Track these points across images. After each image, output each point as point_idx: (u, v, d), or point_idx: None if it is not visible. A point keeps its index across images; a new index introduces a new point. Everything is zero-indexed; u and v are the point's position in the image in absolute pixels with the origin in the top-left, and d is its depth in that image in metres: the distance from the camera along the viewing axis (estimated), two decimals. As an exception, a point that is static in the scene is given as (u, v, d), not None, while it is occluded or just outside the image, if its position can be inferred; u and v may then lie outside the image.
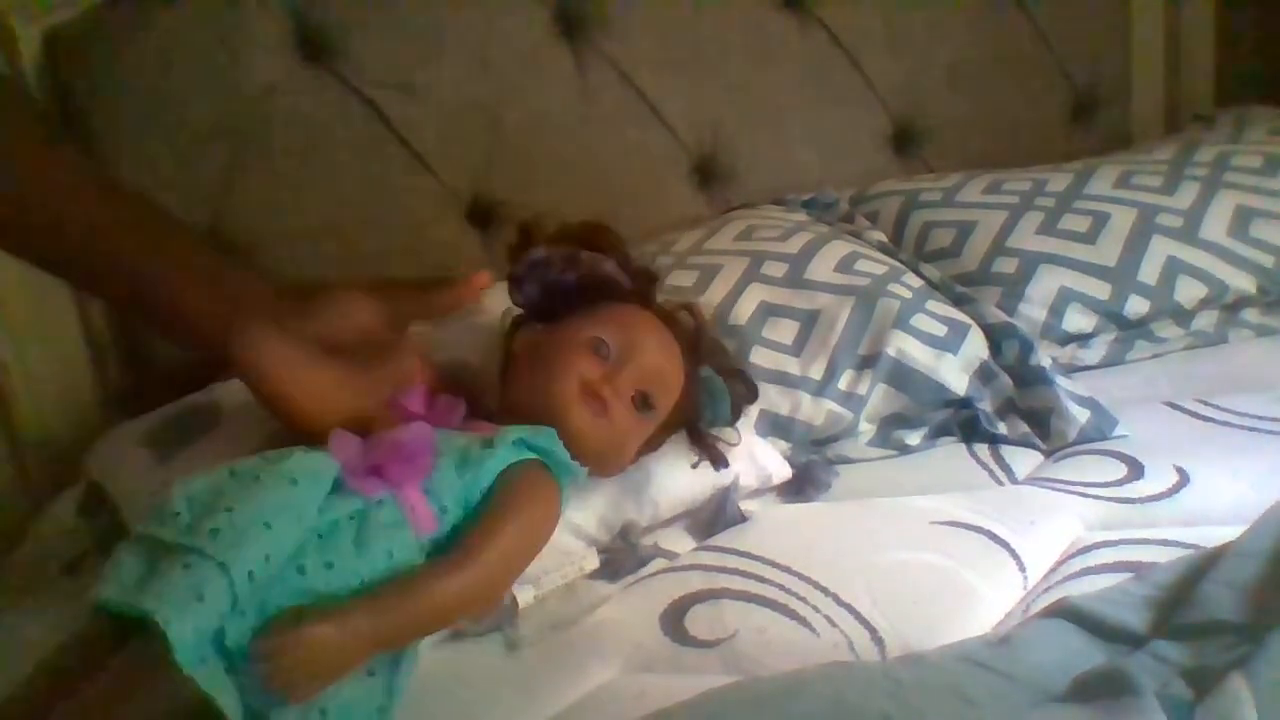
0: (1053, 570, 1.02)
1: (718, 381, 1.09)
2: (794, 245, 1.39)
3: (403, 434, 0.86)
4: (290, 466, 0.81)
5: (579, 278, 1.04)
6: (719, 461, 1.08)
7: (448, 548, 0.84)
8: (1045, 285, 1.38)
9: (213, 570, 0.72)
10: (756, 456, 1.15)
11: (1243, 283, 1.42)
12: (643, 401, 1.00)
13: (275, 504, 0.77)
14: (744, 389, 1.12)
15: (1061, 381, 1.27)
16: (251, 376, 0.89)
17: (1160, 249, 1.41)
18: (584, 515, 1.05)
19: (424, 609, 0.80)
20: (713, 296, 1.32)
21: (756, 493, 1.16)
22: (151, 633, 0.70)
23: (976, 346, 1.28)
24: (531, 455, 0.90)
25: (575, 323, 1.02)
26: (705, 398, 1.07)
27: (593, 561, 1.05)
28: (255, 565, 0.74)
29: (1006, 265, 1.41)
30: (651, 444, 1.05)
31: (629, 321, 1.02)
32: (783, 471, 1.16)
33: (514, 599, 0.99)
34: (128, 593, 0.72)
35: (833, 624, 0.95)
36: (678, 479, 1.09)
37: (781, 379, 1.24)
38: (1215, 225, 1.44)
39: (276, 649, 0.71)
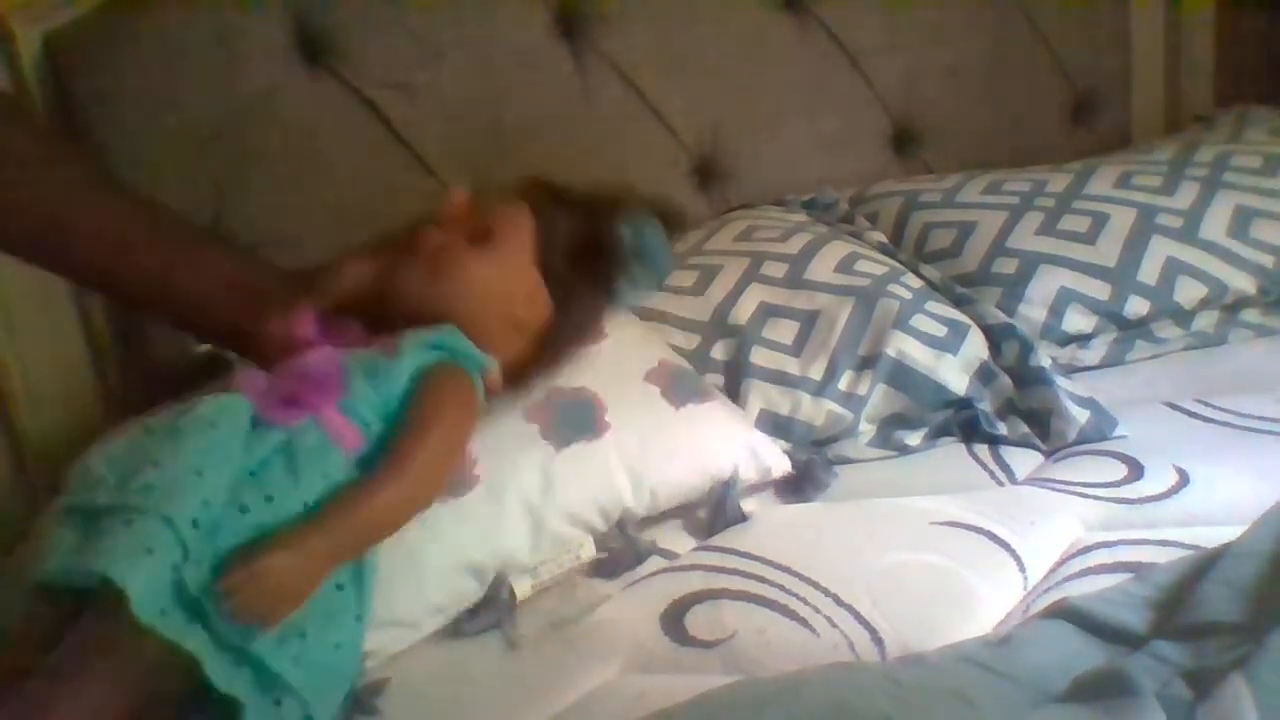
0: (1053, 571, 1.02)
1: (644, 235, 1.06)
2: (794, 246, 1.39)
3: (308, 360, 0.88)
4: (206, 412, 0.82)
5: None
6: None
7: (378, 459, 0.86)
8: (1045, 286, 1.38)
9: (156, 524, 0.74)
10: (756, 450, 1.15)
11: (1242, 283, 1.42)
12: (474, 236, 0.99)
13: (201, 450, 0.79)
14: (667, 215, 1.10)
15: (1061, 382, 1.27)
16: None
17: (1160, 249, 1.41)
18: (580, 501, 1.05)
19: (370, 518, 0.83)
20: (713, 297, 1.32)
21: (756, 487, 1.16)
22: (102, 601, 0.71)
23: (976, 347, 1.28)
24: (438, 355, 0.92)
25: None
26: (634, 253, 1.06)
27: (590, 550, 1.05)
28: (197, 512, 0.76)
29: (1006, 266, 1.41)
30: (556, 281, 1.03)
31: (455, 203, 1.02)
32: (782, 465, 1.16)
33: (511, 592, 1.00)
34: (71, 561, 0.73)
35: (833, 624, 0.95)
36: (675, 466, 1.09)
37: (781, 379, 1.24)
38: (1215, 225, 1.44)
39: (237, 584, 0.74)
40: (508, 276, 1.00)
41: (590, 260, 1.04)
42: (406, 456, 0.85)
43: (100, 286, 1.09)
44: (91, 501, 0.77)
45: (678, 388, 1.15)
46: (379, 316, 0.97)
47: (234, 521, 0.78)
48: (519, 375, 1.02)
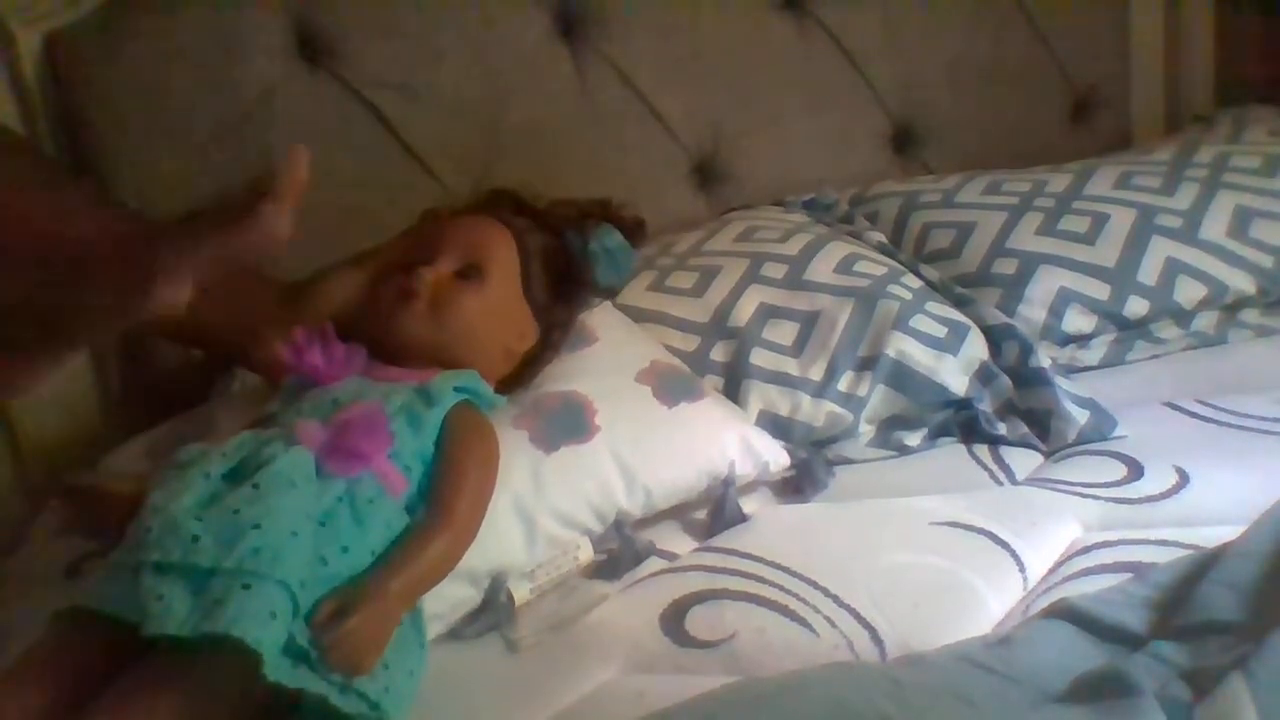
0: (1052, 571, 1.02)
1: (609, 240, 1.16)
2: (793, 246, 1.39)
3: (357, 411, 0.93)
4: (283, 469, 0.86)
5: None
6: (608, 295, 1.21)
7: (419, 499, 0.93)
8: (1045, 286, 1.38)
9: (274, 589, 0.79)
10: (752, 446, 1.15)
11: (1242, 283, 1.41)
12: (464, 273, 1.04)
13: (290, 510, 0.83)
14: (631, 224, 1.20)
15: (1061, 382, 1.27)
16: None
17: (1160, 249, 1.41)
18: (572, 502, 1.05)
19: (431, 565, 0.89)
20: (713, 298, 1.32)
21: (755, 485, 1.16)
22: (219, 656, 0.77)
23: (976, 347, 1.28)
24: (461, 397, 0.98)
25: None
26: (598, 259, 1.15)
27: (588, 551, 1.05)
28: (304, 573, 0.81)
29: (1006, 266, 1.41)
30: (541, 306, 1.10)
31: (438, 227, 1.09)
32: (780, 459, 1.16)
33: (510, 596, 1.00)
34: (190, 623, 0.78)
35: (833, 625, 0.95)
36: (668, 464, 1.10)
37: (781, 380, 1.24)
38: (1215, 226, 1.44)
39: (337, 641, 0.80)
40: (502, 311, 1.07)
41: (563, 281, 1.13)
42: (454, 505, 0.92)
43: None
44: (195, 562, 0.80)
45: (670, 387, 1.15)
46: (367, 334, 1.03)
47: (317, 572, 0.83)
48: (502, 392, 1.07)
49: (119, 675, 0.80)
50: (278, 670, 0.77)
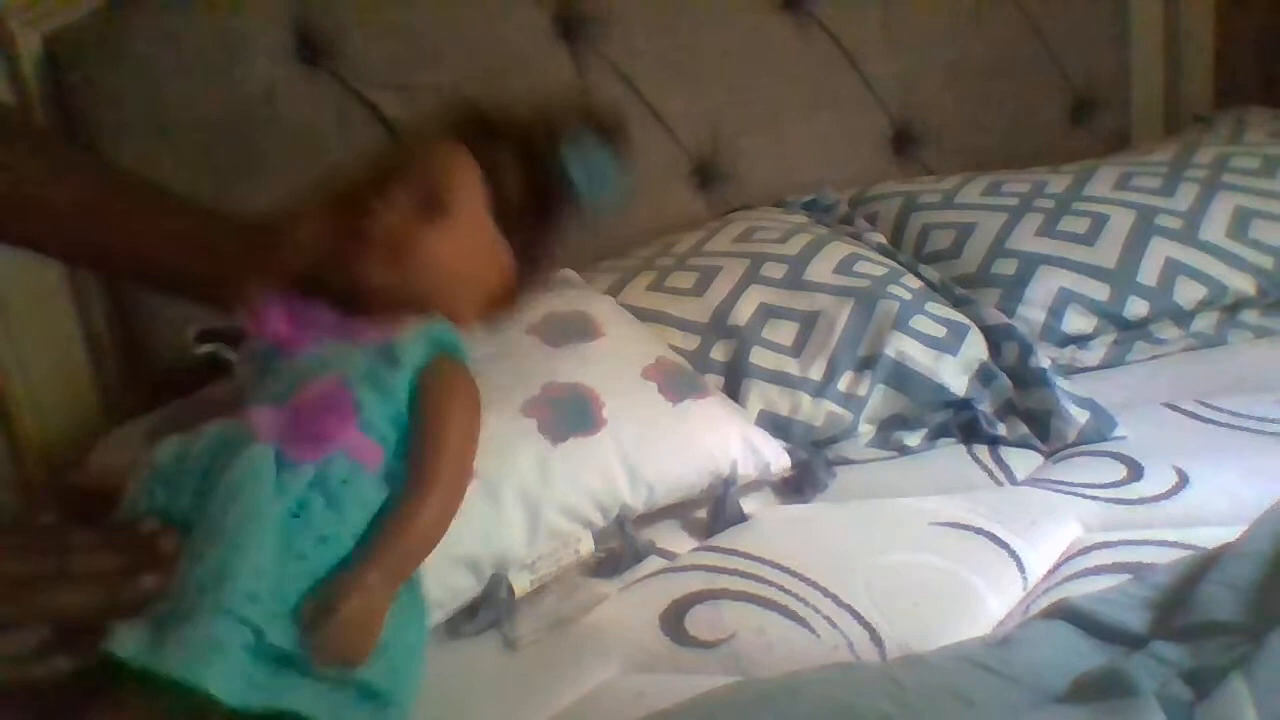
0: (1052, 571, 1.02)
1: (585, 147, 0.99)
2: (793, 247, 1.39)
3: (315, 389, 0.87)
4: (231, 484, 0.81)
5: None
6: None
7: (399, 463, 0.87)
8: (1044, 287, 1.39)
9: (214, 618, 0.75)
10: (754, 445, 1.15)
11: (1242, 284, 1.42)
12: (427, 210, 0.93)
13: (234, 528, 0.79)
14: (612, 131, 1.02)
15: (1061, 383, 1.27)
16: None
17: (1159, 250, 1.41)
18: (577, 495, 1.05)
19: (415, 540, 0.84)
20: (712, 298, 1.32)
21: (755, 484, 1.16)
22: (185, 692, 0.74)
23: (976, 348, 1.28)
24: (432, 352, 0.91)
25: None
26: (576, 170, 0.99)
27: (589, 545, 1.05)
28: (251, 585, 0.77)
29: (1006, 267, 1.41)
30: (518, 235, 0.98)
31: (395, 159, 0.98)
32: (781, 460, 1.16)
33: (510, 589, 1.00)
34: (148, 658, 0.75)
35: (833, 625, 0.95)
36: (673, 460, 1.10)
37: (781, 380, 1.24)
38: (1214, 227, 1.44)
39: (323, 640, 0.77)
40: (470, 247, 0.96)
41: (539, 202, 0.99)
42: (433, 473, 0.85)
43: (63, 257, 1.08)
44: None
45: (675, 384, 1.15)
46: (341, 287, 0.94)
47: (296, 568, 0.80)
48: (486, 325, 1.00)
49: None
50: (238, 698, 0.74)
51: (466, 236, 0.95)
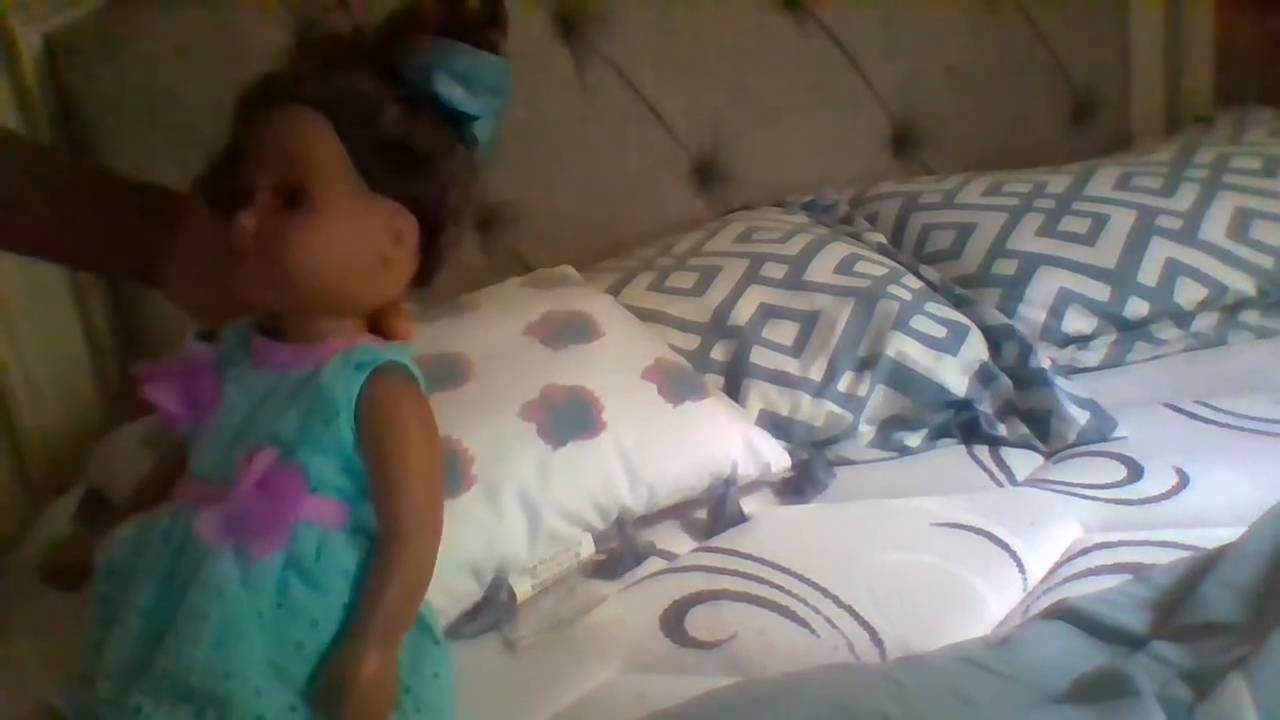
0: (1052, 572, 1.02)
1: (457, 62, 0.84)
2: (794, 247, 1.39)
3: (253, 469, 0.79)
4: (196, 605, 0.78)
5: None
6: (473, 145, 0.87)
7: (365, 507, 0.82)
8: (1045, 287, 1.38)
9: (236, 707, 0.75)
10: (755, 446, 1.15)
11: (1242, 284, 1.42)
12: (289, 198, 0.80)
13: (214, 645, 0.76)
14: (482, 25, 0.87)
15: (1061, 383, 1.27)
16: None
17: (1160, 251, 1.41)
18: (577, 498, 1.05)
19: (403, 594, 0.79)
20: (712, 298, 1.32)
21: (756, 485, 1.16)
22: None
23: (976, 348, 1.28)
24: (361, 376, 0.81)
25: None
26: (453, 92, 0.84)
27: (589, 548, 1.05)
28: (257, 709, 0.76)
29: (1006, 267, 1.41)
30: (401, 189, 0.83)
31: (246, 141, 0.85)
32: (781, 460, 1.16)
33: (511, 593, 0.99)
34: None
35: (833, 625, 0.95)
36: (673, 462, 1.10)
37: (781, 380, 1.24)
38: (1215, 227, 1.44)
39: (348, 716, 0.75)
40: (349, 227, 0.81)
41: (416, 140, 0.83)
42: (402, 520, 0.79)
43: (30, 254, 1.03)
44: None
45: (675, 385, 1.15)
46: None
47: (296, 659, 0.78)
48: (418, 286, 0.88)
49: None
50: None
51: (339, 215, 0.81)
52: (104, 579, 0.82)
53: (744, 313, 1.29)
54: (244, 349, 0.85)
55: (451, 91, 0.83)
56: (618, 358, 1.16)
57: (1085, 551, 1.04)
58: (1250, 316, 1.44)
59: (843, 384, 1.24)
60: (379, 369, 0.81)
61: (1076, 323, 1.38)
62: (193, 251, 0.88)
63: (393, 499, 0.79)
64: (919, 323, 1.28)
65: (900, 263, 1.41)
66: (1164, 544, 1.02)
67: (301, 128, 0.81)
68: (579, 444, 1.06)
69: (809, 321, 1.28)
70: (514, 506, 1.02)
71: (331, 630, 0.78)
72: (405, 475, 0.80)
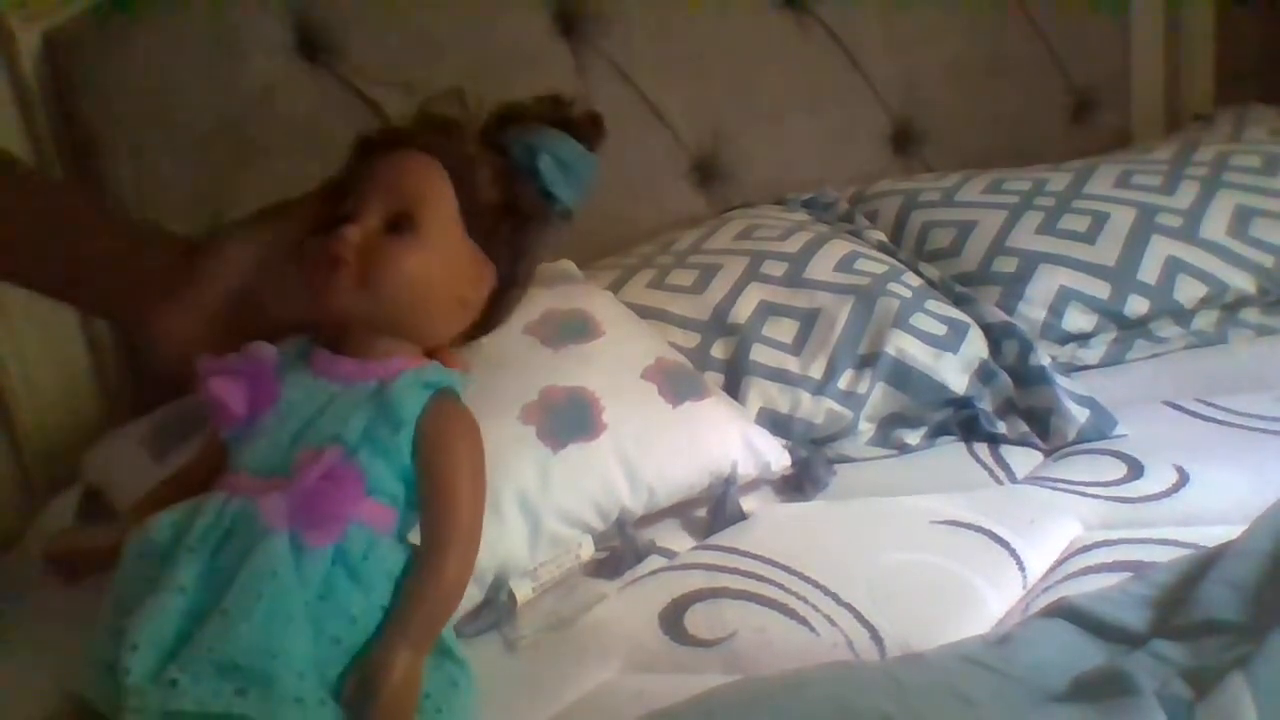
0: (1052, 570, 1.02)
1: (562, 149, 0.95)
2: (794, 245, 1.39)
3: (317, 464, 0.84)
4: (251, 579, 0.80)
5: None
6: (565, 217, 0.98)
7: (411, 516, 0.88)
8: (1045, 285, 1.38)
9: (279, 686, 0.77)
10: (755, 445, 1.15)
11: (1242, 282, 1.42)
12: (395, 224, 0.89)
13: (264, 625, 0.78)
14: (582, 122, 0.98)
15: (1061, 381, 1.27)
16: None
17: (1160, 248, 1.41)
18: (577, 501, 1.05)
19: (441, 601, 0.84)
20: (712, 295, 1.32)
21: (755, 484, 1.16)
22: None
23: (976, 346, 1.28)
24: (427, 394, 0.88)
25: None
26: (552, 174, 0.94)
27: (589, 549, 1.05)
28: (295, 690, 0.78)
29: (1006, 265, 1.41)
30: (493, 244, 0.94)
31: (361, 172, 0.93)
32: (781, 459, 1.16)
33: (512, 595, 0.99)
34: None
35: (832, 623, 0.95)
36: (673, 463, 1.09)
37: (781, 377, 1.24)
38: (1215, 225, 1.44)
39: (374, 717, 0.78)
40: (444, 260, 0.90)
41: (514, 208, 0.94)
42: (449, 531, 0.85)
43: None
44: (179, 708, 0.77)
45: (675, 385, 1.15)
46: (299, 310, 0.91)
47: (332, 653, 0.80)
48: (471, 338, 0.98)
49: None
50: None
51: (438, 251, 0.90)
52: (134, 561, 0.84)
53: (744, 310, 1.29)
54: (303, 359, 0.91)
55: (551, 172, 0.94)
56: (618, 357, 1.16)
57: (1085, 549, 1.04)
58: (1250, 314, 1.44)
59: (843, 382, 1.24)
60: (444, 390, 0.89)
61: (1077, 320, 1.38)
62: (220, 284, 0.91)
63: (441, 511, 0.86)
64: (919, 320, 1.28)
65: (900, 260, 1.41)
66: (1164, 542, 1.02)
67: (420, 167, 0.91)
68: (579, 446, 1.06)
69: (809, 319, 1.28)
70: (514, 511, 1.02)
71: (368, 630, 0.82)
72: (456, 491, 0.86)
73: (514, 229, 0.95)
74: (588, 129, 0.98)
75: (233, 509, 0.84)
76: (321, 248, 0.87)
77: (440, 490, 0.86)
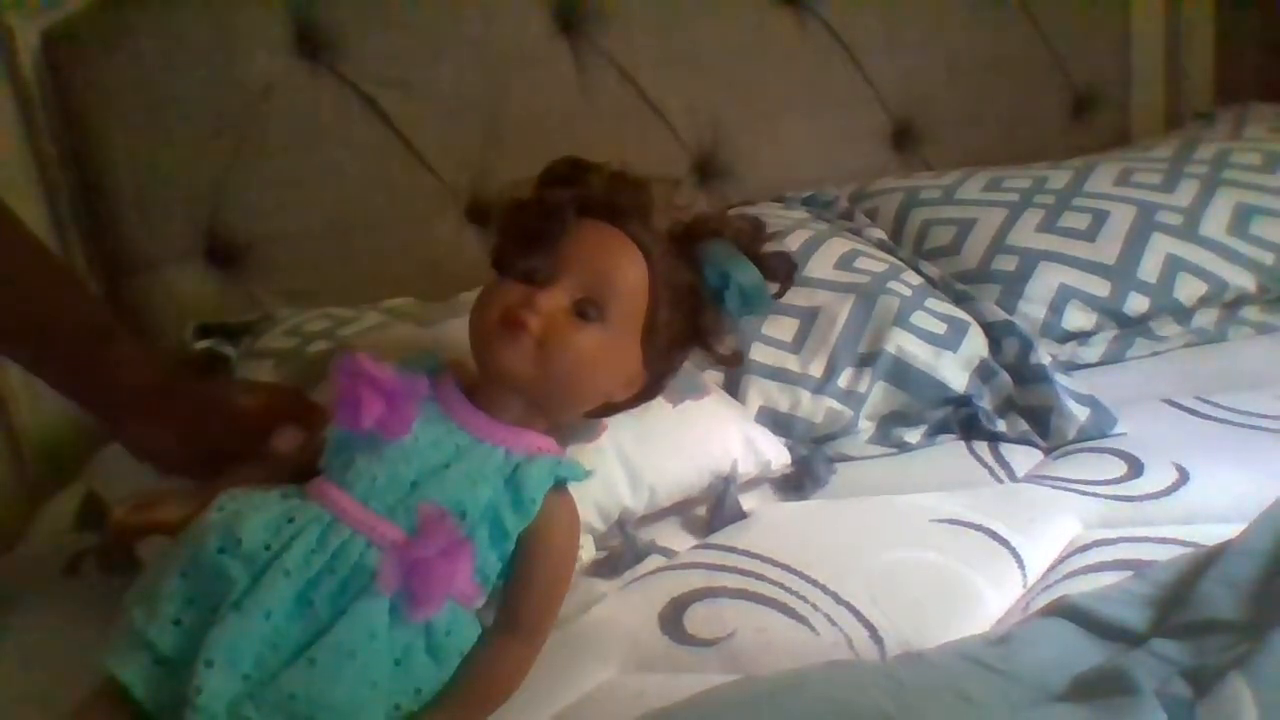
0: (1052, 568, 1.02)
1: (745, 276, 0.93)
2: (793, 243, 1.38)
3: (437, 534, 0.81)
4: (344, 642, 0.78)
5: (531, 213, 0.93)
6: (734, 362, 1.01)
7: (490, 593, 0.87)
8: (1045, 283, 1.38)
9: None
10: (754, 443, 1.14)
11: (1242, 280, 1.42)
12: (584, 309, 0.87)
13: (347, 692, 0.77)
14: (777, 264, 0.97)
15: (1061, 379, 1.27)
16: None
17: (1160, 246, 1.41)
18: (580, 503, 1.04)
19: (501, 687, 0.85)
20: (712, 294, 1.31)
21: (755, 482, 1.16)
22: None
23: (976, 344, 1.28)
24: (553, 483, 0.87)
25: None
26: (724, 282, 0.93)
27: (590, 550, 1.05)
28: None
29: (1006, 263, 1.41)
30: (658, 357, 0.94)
31: (570, 237, 0.90)
32: (782, 459, 1.16)
33: None
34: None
35: (832, 622, 0.95)
36: (674, 463, 1.09)
37: (781, 376, 1.24)
38: (1215, 223, 1.44)
39: None
40: (616, 360, 0.91)
41: (689, 325, 0.95)
42: (532, 622, 0.86)
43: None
44: None
45: (675, 384, 1.14)
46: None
47: (392, 718, 0.80)
48: (589, 419, 1.00)
49: None
50: None
51: (613, 347, 0.90)
52: (211, 555, 0.80)
53: (744, 309, 1.29)
54: (431, 386, 0.88)
55: (734, 305, 0.94)
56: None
57: (1085, 548, 1.04)
58: (1250, 312, 1.44)
59: (842, 380, 1.24)
60: (566, 485, 0.88)
61: (1076, 319, 1.38)
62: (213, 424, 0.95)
63: (530, 600, 0.86)
64: (919, 319, 1.28)
65: (900, 259, 1.41)
66: (1164, 540, 1.02)
67: (630, 264, 0.90)
68: (579, 448, 1.06)
69: (809, 318, 1.28)
70: None
71: (426, 701, 0.82)
72: (549, 587, 0.87)
73: (686, 346, 0.96)
74: (780, 269, 0.97)
75: (339, 540, 0.81)
76: (508, 310, 0.86)
77: (532, 583, 0.86)
